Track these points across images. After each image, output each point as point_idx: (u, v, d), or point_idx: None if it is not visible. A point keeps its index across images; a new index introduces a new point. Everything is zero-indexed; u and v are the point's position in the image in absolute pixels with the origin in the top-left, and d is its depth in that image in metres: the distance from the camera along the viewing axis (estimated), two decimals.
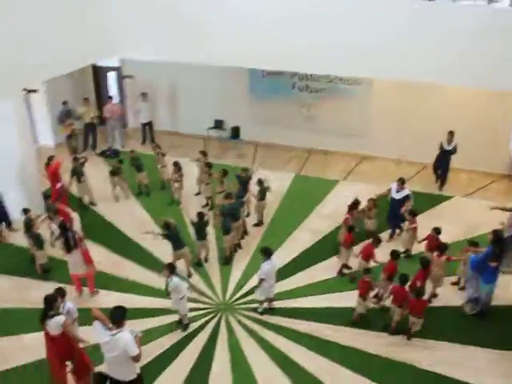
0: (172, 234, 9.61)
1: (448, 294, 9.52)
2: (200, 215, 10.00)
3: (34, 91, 14.97)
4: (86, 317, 7.40)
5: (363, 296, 8.67)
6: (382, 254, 9.52)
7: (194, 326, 8.80)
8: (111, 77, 17.00)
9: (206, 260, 10.47)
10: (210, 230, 10.78)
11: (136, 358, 6.21)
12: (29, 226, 9.84)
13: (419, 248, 10.21)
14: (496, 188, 13.64)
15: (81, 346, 7.29)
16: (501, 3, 10.83)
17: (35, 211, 10.43)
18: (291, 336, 8.59)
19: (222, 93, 15.74)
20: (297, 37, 10.75)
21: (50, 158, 11.36)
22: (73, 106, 14.97)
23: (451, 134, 12.83)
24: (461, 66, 10.05)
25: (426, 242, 9.87)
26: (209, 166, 12.18)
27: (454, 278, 9.79)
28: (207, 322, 8.90)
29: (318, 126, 15.47)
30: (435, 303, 9.20)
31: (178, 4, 11.14)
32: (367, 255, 9.42)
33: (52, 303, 7.09)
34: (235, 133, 15.82)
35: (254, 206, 11.71)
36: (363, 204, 10.94)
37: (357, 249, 9.92)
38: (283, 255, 10.61)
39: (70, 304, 7.48)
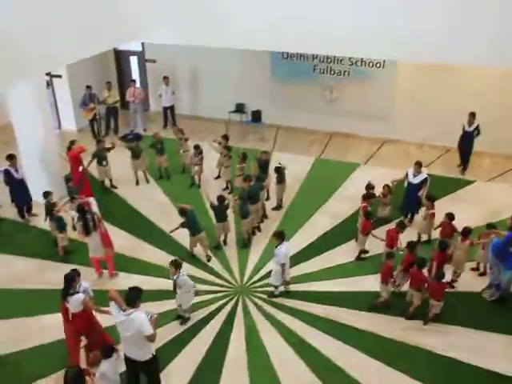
0: (188, 220, 9.67)
1: (467, 280, 9.39)
2: (220, 198, 10.04)
3: (58, 76, 15.26)
4: (104, 298, 7.50)
5: (385, 281, 8.60)
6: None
7: (211, 308, 8.88)
8: (133, 61, 17.08)
9: (225, 243, 10.53)
10: (230, 214, 10.82)
11: (150, 338, 6.30)
12: (50, 209, 10.01)
13: (436, 234, 10.09)
14: None
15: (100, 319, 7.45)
16: None
17: (57, 194, 10.61)
18: (307, 319, 8.61)
19: (243, 76, 15.70)
20: (318, 18, 10.57)
21: (72, 142, 11.48)
22: (96, 91, 15.09)
23: (472, 115, 12.63)
24: (492, 45, 9.78)
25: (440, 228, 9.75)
26: (228, 149, 12.20)
27: (473, 264, 9.65)
28: (224, 305, 8.97)
29: (340, 109, 15.33)
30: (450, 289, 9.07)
31: None
32: (391, 240, 9.30)
33: (71, 282, 7.26)
34: (256, 116, 15.80)
35: (273, 190, 11.68)
36: (377, 188, 10.86)
37: (377, 233, 9.88)
38: (301, 239, 10.66)
39: (85, 284, 7.61)
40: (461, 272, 9.21)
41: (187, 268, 9.69)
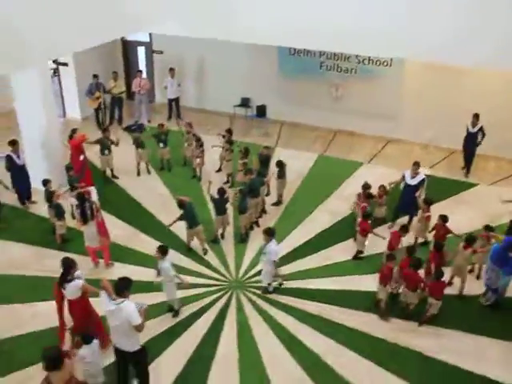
0: (187, 213, 9.66)
1: None
2: (221, 191, 10.01)
3: (65, 64, 15.26)
4: (99, 288, 7.51)
5: (384, 282, 8.50)
6: (383, 243, 9.63)
7: (204, 301, 8.86)
8: (141, 51, 17.05)
9: (223, 237, 10.50)
10: (229, 208, 10.79)
11: (138, 328, 6.29)
12: (49, 196, 10.02)
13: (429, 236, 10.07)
14: None
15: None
16: None
17: (57, 182, 10.62)
18: (300, 316, 8.57)
19: (249, 70, 15.63)
20: (326, 15, 10.53)
21: (74, 131, 11.48)
22: (102, 80, 15.07)
23: (476, 116, 12.55)
24: (498, 48, 9.68)
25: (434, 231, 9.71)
26: (230, 143, 12.18)
27: (469, 266, 9.53)
28: (218, 299, 8.94)
29: (346, 106, 15.24)
30: (449, 291, 8.94)
31: None
32: (393, 242, 9.26)
33: (69, 268, 7.24)
34: (261, 111, 15.74)
35: (274, 185, 11.65)
36: (375, 188, 10.82)
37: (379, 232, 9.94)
38: (300, 235, 10.64)
39: (77, 272, 7.59)
40: (464, 278, 9.06)
41: (184, 261, 9.79)
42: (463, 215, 10.90)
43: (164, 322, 8.36)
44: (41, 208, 10.86)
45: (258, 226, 10.89)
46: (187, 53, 16.21)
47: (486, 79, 13.12)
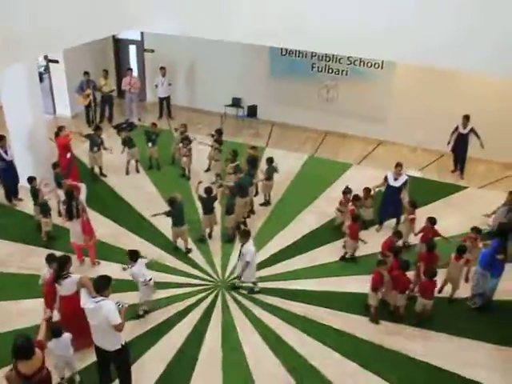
0: (175, 210, 9.60)
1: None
2: (208, 190, 9.96)
3: (55, 61, 15.17)
4: None
5: (375, 288, 8.38)
6: (370, 245, 9.77)
7: (189, 301, 8.79)
8: (132, 50, 16.96)
9: (210, 236, 10.45)
10: (217, 207, 10.75)
11: (118, 327, 6.21)
12: (35, 194, 9.94)
13: (416, 239, 9.97)
14: None
15: None
16: None
17: (43, 179, 10.50)
18: (286, 317, 8.52)
19: (241, 70, 15.59)
20: (318, 15, 10.52)
21: (60, 129, 11.38)
22: (93, 78, 14.98)
23: (466, 117, 12.63)
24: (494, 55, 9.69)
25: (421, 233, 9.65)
26: (220, 142, 12.14)
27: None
28: (203, 299, 8.88)
29: (337, 108, 15.23)
30: (437, 294, 8.91)
31: None
32: (388, 248, 9.08)
33: (65, 264, 7.24)
34: (252, 111, 15.70)
35: (261, 186, 11.61)
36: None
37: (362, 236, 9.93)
38: (287, 236, 10.61)
39: None
40: (457, 287, 9.01)
41: (170, 260, 9.71)
42: (451, 218, 10.89)
43: (148, 322, 8.28)
44: (27, 205, 10.77)
45: (246, 226, 10.82)
46: (178, 52, 16.13)
47: (476, 82, 13.11)
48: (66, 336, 6.76)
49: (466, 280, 9.34)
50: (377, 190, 10.81)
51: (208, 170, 12.80)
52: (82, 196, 9.24)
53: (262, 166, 11.54)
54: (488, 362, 7.86)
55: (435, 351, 7.99)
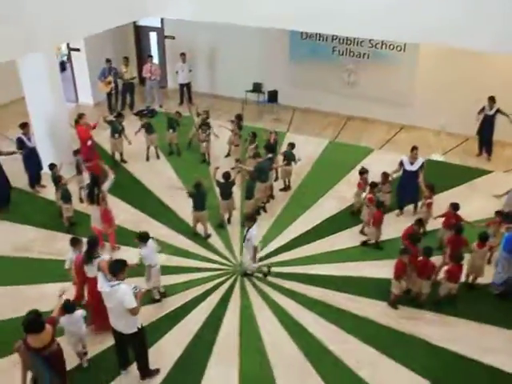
0: (198, 194, 9.63)
1: None
2: (226, 175, 9.94)
3: (76, 50, 15.27)
4: None
5: (398, 277, 8.21)
6: (390, 230, 9.61)
7: (207, 286, 8.82)
8: (152, 37, 16.99)
9: (229, 221, 10.45)
10: (237, 193, 10.75)
11: (133, 312, 6.24)
12: (56, 180, 10.06)
13: (435, 225, 9.81)
14: None
15: None
16: None
17: (65, 167, 10.62)
18: (304, 302, 8.49)
19: (261, 55, 15.52)
20: None
21: (80, 116, 11.45)
22: (114, 66, 15.04)
23: (492, 99, 12.45)
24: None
25: (443, 218, 9.44)
26: (240, 128, 12.11)
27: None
28: (222, 283, 8.90)
29: (359, 92, 15.05)
30: None
31: None
32: (407, 237, 8.92)
33: (95, 246, 7.35)
34: (273, 96, 15.59)
35: (280, 171, 11.56)
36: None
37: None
38: (306, 221, 10.57)
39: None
40: (481, 275, 8.81)
41: (189, 244, 9.74)
42: (475, 202, 10.69)
43: (166, 306, 8.33)
44: (50, 192, 10.89)
45: (266, 211, 10.82)
46: (199, 38, 16.13)
47: (502, 64, 12.82)
48: (79, 312, 6.87)
49: (489, 262, 9.12)
50: (394, 176, 10.61)
51: (228, 155, 12.80)
52: (106, 185, 9.30)
53: (282, 150, 11.46)
54: (508, 348, 7.71)
55: (454, 337, 7.87)
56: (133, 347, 6.84)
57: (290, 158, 11.11)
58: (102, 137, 12.78)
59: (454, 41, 10.05)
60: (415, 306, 8.41)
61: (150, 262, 8.07)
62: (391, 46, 14.14)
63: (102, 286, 6.32)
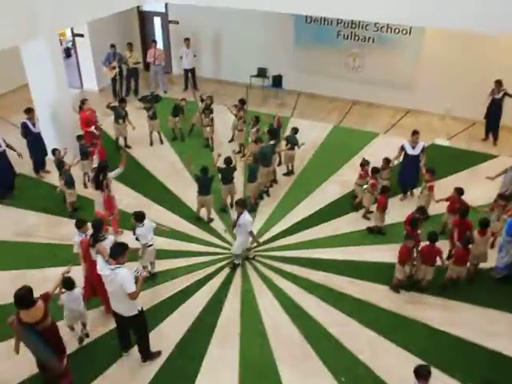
0: (204, 179, 9.67)
1: None
2: (227, 160, 9.93)
3: (80, 35, 15.24)
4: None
5: (402, 262, 8.16)
6: (394, 215, 9.63)
7: (209, 269, 8.86)
8: (157, 22, 16.91)
9: (232, 206, 10.44)
10: (239, 177, 10.75)
11: (131, 296, 6.26)
12: (59, 165, 10.09)
13: (438, 209, 9.74)
14: None
15: None
16: None
17: (70, 152, 10.65)
18: (306, 286, 8.50)
19: (266, 40, 15.42)
20: None
21: (83, 102, 11.47)
22: (119, 51, 15.00)
23: (499, 82, 12.31)
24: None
25: (447, 203, 9.35)
26: (243, 111, 12.08)
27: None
28: (223, 267, 8.93)
29: (364, 76, 14.93)
30: None
31: None
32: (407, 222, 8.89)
33: (99, 228, 7.41)
34: (277, 81, 15.48)
35: (283, 156, 11.53)
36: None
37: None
38: (310, 205, 10.57)
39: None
40: (484, 261, 8.69)
41: (192, 229, 9.77)
42: (480, 187, 10.58)
43: (168, 289, 8.39)
44: (54, 177, 10.93)
45: (269, 195, 10.83)
46: (203, 23, 16.02)
47: (508, 46, 12.66)
48: (78, 290, 6.97)
49: (492, 246, 9.06)
50: (395, 162, 10.55)
51: (232, 140, 12.78)
52: (113, 173, 9.31)
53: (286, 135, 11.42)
54: (510, 333, 7.68)
55: (456, 321, 7.86)
56: (134, 330, 6.90)
57: (292, 142, 11.05)
58: (106, 122, 12.78)
59: (459, 23, 9.94)
60: (417, 291, 8.39)
61: (146, 241, 8.13)
62: (396, 30, 13.98)
63: (102, 268, 6.36)
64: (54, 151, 10.18)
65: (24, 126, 10.89)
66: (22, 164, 11.12)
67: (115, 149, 12.23)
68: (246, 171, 10.41)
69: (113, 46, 14.75)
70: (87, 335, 7.46)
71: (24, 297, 5.83)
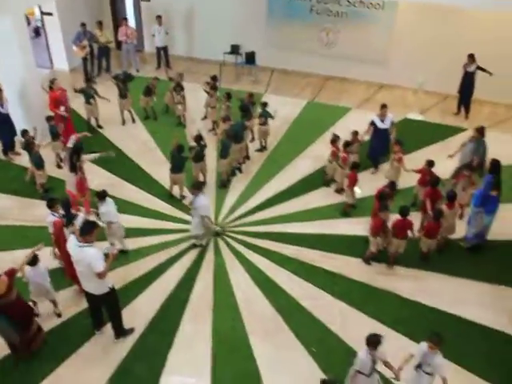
0: (178, 157, 9.64)
1: None
2: (197, 138, 9.89)
3: (49, 14, 14.92)
4: None
5: (375, 234, 8.24)
6: (367, 187, 9.69)
7: (182, 246, 8.87)
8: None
9: (204, 184, 10.41)
10: (211, 154, 10.73)
11: (100, 275, 6.24)
12: (28, 147, 9.94)
13: (409, 182, 9.85)
14: None
15: None
16: None
17: (40, 132, 10.50)
18: (278, 260, 8.57)
19: (239, 16, 15.28)
20: None
21: (52, 81, 11.25)
22: (90, 29, 14.75)
23: (471, 57, 12.36)
24: None
25: (418, 175, 9.43)
26: (214, 88, 11.99)
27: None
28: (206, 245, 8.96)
29: (337, 51, 14.89)
30: None
31: None
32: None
33: (68, 205, 7.46)
34: (250, 58, 15.35)
35: (257, 131, 11.51)
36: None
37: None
38: (281, 181, 10.63)
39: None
40: (453, 232, 8.81)
41: (165, 207, 9.75)
42: (450, 160, 10.65)
43: (140, 266, 8.39)
44: (24, 159, 10.78)
45: (241, 171, 10.83)
46: (175, 0, 15.77)
47: (480, 21, 12.71)
48: (42, 265, 7.02)
49: (460, 217, 9.18)
50: (366, 138, 10.61)
51: (205, 117, 12.70)
52: (90, 156, 9.30)
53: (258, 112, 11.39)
54: (479, 300, 7.85)
55: (427, 291, 7.99)
56: (105, 308, 6.91)
57: (266, 116, 11.04)
58: (77, 102, 12.60)
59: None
60: (389, 264, 8.49)
61: (109, 219, 8.09)
62: (369, 4, 13.93)
63: (70, 246, 6.32)
64: (23, 132, 10.00)
65: None
66: None
67: (87, 130, 12.04)
68: (220, 147, 10.34)
69: (83, 24, 14.46)
70: (59, 315, 7.45)
71: None
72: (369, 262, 8.51)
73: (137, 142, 11.91)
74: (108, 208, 8.09)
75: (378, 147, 10.55)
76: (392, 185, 8.98)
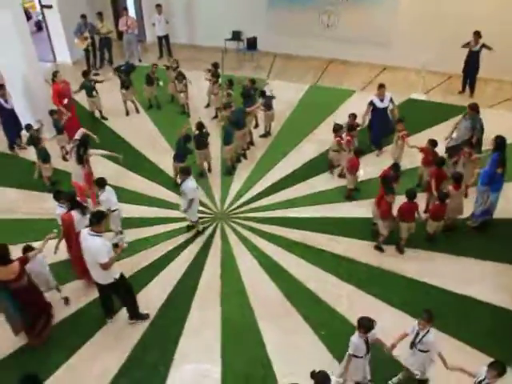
0: (183, 147, 9.65)
1: None
2: (198, 126, 9.90)
3: (49, 7, 14.91)
4: None
5: (384, 216, 8.21)
6: (372, 169, 9.66)
7: (188, 234, 8.93)
8: None
9: (210, 170, 10.48)
10: (216, 141, 10.75)
11: (103, 266, 6.32)
12: (33, 141, 10.00)
13: (413, 162, 9.85)
14: None
15: None
16: None
17: (45, 126, 10.57)
18: (284, 244, 8.62)
19: (239, 2, 15.24)
20: None
21: (54, 74, 11.28)
22: (91, 20, 14.74)
23: (477, 34, 12.25)
24: None
25: (422, 155, 9.42)
26: (217, 76, 11.98)
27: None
28: (203, 230, 9.00)
29: (339, 34, 14.81)
30: None
31: None
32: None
33: (74, 198, 7.61)
34: (252, 44, 15.34)
35: (261, 117, 11.52)
36: None
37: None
38: (286, 166, 10.65)
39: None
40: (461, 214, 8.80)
41: (170, 195, 9.80)
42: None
43: (149, 256, 8.46)
44: (31, 152, 10.85)
45: (246, 158, 10.86)
46: None
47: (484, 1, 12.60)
48: (39, 254, 7.00)
49: (465, 196, 9.12)
50: (367, 120, 10.61)
51: (208, 105, 12.71)
52: (100, 152, 9.40)
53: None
54: (484, 279, 7.87)
55: (434, 271, 8.01)
56: (116, 296, 6.99)
57: (268, 100, 11.03)
58: (81, 95, 12.61)
59: None
60: (399, 248, 8.50)
61: (109, 206, 8.10)
62: None
63: (83, 235, 6.43)
64: (27, 127, 10.06)
65: None
66: None
67: (92, 121, 12.11)
68: (223, 134, 10.36)
69: (83, 16, 14.47)
70: (66, 299, 7.55)
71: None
72: (382, 248, 8.48)
73: (141, 131, 11.94)
74: (108, 195, 8.13)
75: (380, 128, 10.53)
76: (395, 166, 8.94)
